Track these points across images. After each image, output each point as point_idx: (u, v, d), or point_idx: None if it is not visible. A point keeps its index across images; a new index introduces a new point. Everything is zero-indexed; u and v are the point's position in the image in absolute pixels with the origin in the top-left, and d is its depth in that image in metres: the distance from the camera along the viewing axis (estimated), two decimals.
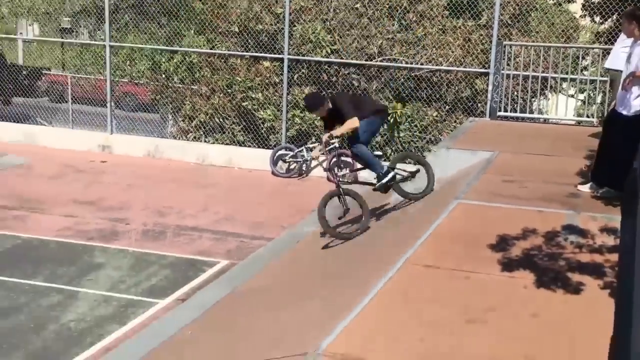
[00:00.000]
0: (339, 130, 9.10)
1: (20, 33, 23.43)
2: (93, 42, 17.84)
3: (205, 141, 15.65)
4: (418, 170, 9.64)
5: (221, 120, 15.32)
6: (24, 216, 11.42)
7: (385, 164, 9.53)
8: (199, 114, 15.46)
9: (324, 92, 14.44)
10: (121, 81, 16.76)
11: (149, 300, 8.56)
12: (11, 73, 17.73)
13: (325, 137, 9.17)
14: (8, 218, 11.30)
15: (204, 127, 15.61)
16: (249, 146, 15.24)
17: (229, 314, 7.87)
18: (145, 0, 16.26)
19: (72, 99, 16.88)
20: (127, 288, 8.89)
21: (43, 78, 19.24)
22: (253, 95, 15.03)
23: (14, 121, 16.93)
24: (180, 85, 15.86)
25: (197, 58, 15.71)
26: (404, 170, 9.61)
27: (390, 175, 9.24)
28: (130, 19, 16.70)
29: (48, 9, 18.63)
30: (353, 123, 8.99)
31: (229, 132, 15.38)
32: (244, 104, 15.07)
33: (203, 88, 15.52)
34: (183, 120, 15.86)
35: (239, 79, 15.09)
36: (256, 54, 15.07)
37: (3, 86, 17.31)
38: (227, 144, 15.43)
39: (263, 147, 15.08)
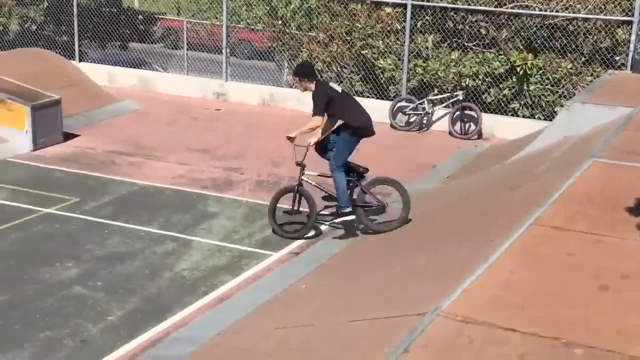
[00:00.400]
0: (298, 131, 8.78)
1: None
2: None
3: None
4: (386, 206, 8.81)
5: (339, 69, 15.06)
6: (140, 162, 11.56)
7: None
8: (316, 62, 15.23)
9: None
10: (237, 27, 16.68)
11: (262, 252, 8.52)
12: (127, 18, 17.97)
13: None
14: (124, 164, 11.47)
15: (321, 76, 15.36)
16: (367, 97, 14.89)
17: (343, 268, 7.85)
18: None
19: (187, 45, 16.94)
20: (241, 239, 8.86)
21: (158, 23, 19.41)
22: (373, 43, 14.68)
23: (131, 66, 17.16)
24: (298, 32, 15.63)
25: (316, 3, 15.42)
26: (375, 199, 8.80)
27: (346, 218, 8.71)
28: None
29: None
30: (313, 123, 8.65)
31: (347, 82, 15.10)
32: (363, 52, 14.74)
33: (321, 35, 15.28)
34: None
35: (359, 26, 14.76)
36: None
37: (120, 31, 17.53)
38: None
39: (382, 98, 14.76)
